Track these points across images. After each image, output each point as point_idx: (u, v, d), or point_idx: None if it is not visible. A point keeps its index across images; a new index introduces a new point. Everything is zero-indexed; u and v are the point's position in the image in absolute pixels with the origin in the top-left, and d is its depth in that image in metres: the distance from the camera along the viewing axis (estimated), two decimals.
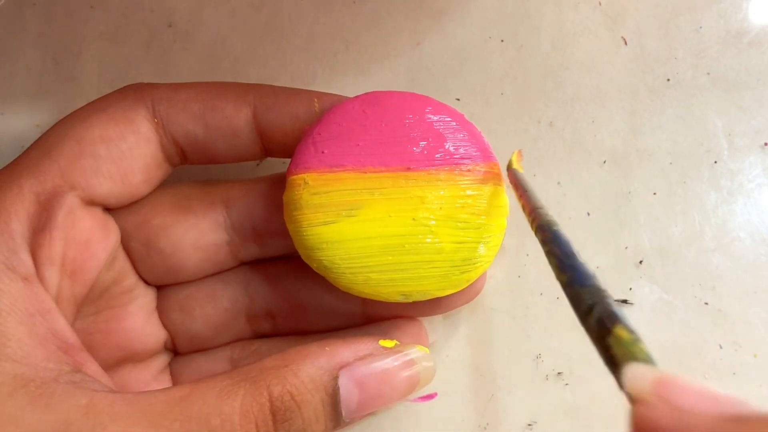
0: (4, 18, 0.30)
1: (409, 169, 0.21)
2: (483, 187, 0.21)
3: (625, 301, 0.25)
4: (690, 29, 0.26)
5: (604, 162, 0.26)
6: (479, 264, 0.21)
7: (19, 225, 0.19)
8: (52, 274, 0.20)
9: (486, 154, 0.22)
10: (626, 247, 0.25)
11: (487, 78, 0.27)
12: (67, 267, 0.20)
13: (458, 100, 0.27)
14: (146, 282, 0.24)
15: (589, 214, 0.25)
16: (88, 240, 0.21)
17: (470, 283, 0.22)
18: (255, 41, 0.28)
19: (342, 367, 0.19)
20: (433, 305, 0.23)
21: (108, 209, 0.22)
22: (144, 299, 0.24)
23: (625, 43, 0.26)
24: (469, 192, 0.21)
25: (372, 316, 0.24)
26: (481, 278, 0.23)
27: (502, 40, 0.27)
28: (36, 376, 0.17)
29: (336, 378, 0.19)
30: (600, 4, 0.27)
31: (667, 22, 0.26)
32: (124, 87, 0.23)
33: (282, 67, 0.28)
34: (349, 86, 0.27)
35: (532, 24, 0.27)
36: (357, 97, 0.22)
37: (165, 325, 0.24)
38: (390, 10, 0.28)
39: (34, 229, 0.20)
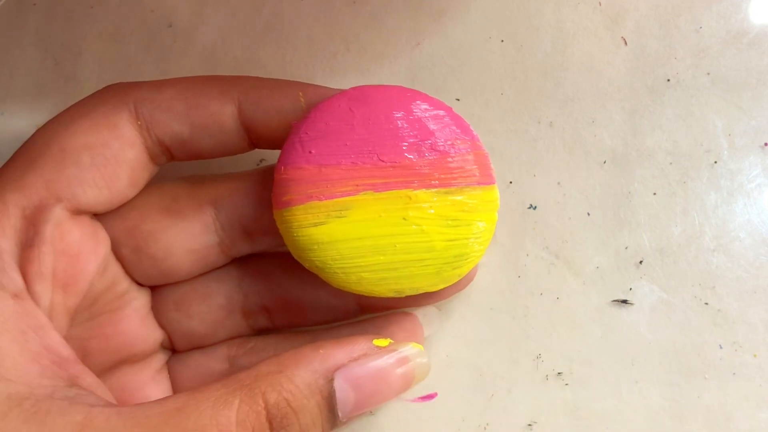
0: (4, 18, 0.30)
1: (397, 167, 0.21)
2: (473, 182, 0.21)
3: (625, 301, 0.25)
4: (690, 29, 0.26)
5: (604, 162, 0.26)
6: (471, 259, 0.21)
7: (6, 242, 0.19)
8: (43, 289, 0.20)
9: (475, 147, 0.21)
10: (626, 247, 0.25)
11: (487, 78, 0.27)
12: (59, 280, 0.20)
13: (458, 100, 0.27)
14: (139, 284, 0.24)
15: (589, 214, 0.25)
16: (78, 251, 0.21)
17: (462, 276, 0.22)
18: (255, 41, 0.28)
19: (337, 369, 0.19)
20: (427, 297, 0.23)
21: (96, 215, 0.22)
22: (138, 302, 0.24)
23: (625, 43, 0.26)
24: (459, 189, 0.21)
25: (366, 308, 0.24)
26: (473, 268, 0.23)
27: (502, 40, 0.27)
28: (30, 394, 0.17)
29: (331, 381, 0.19)
30: (600, 4, 0.27)
31: (667, 22, 0.26)
32: (105, 88, 0.22)
33: (282, 67, 0.28)
34: (348, 86, 0.27)
35: (532, 24, 0.27)
36: (343, 93, 0.22)
37: (161, 324, 0.24)
38: (390, 10, 0.28)
39: (22, 244, 0.20)
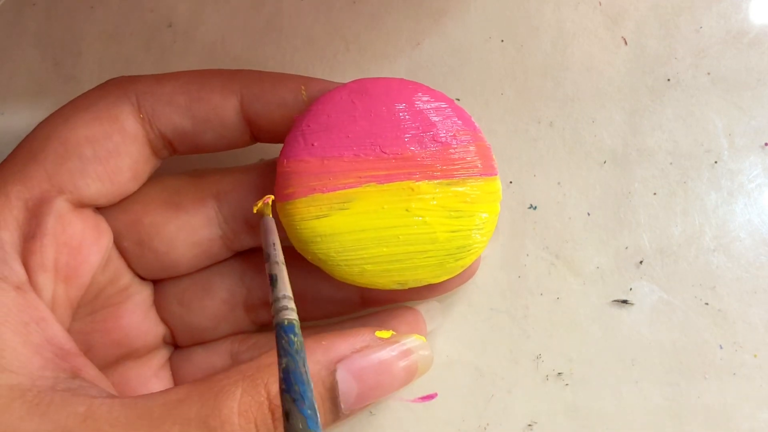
0: (4, 18, 0.30)
1: (400, 159, 0.21)
2: (475, 174, 0.21)
3: (625, 301, 0.25)
4: (690, 29, 0.26)
5: (604, 162, 0.26)
6: (474, 250, 0.21)
7: (8, 234, 0.19)
8: (45, 281, 0.20)
9: (477, 139, 0.21)
10: (626, 247, 0.25)
11: (487, 78, 0.27)
12: (61, 272, 0.20)
13: (458, 100, 0.27)
14: (141, 277, 0.24)
15: (589, 214, 0.25)
16: (80, 244, 0.21)
17: (465, 268, 0.22)
18: (255, 41, 0.28)
19: (339, 360, 0.19)
20: (429, 289, 0.23)
21: (98, 208, 0.22)
22: (140, 296, 0.24)
23: (625, 43, 0.26)
24: (461, 180, 0.21)
25: (369, 301, 0.24)
26: (476, 260, 0.23)
27: (502, 40, 0.27)
28: (33, 386, 0.17)
29: (334, 372, 0.19)
30: (600, 4, 0.27)
31: (667, 22, 0.26)
32: (106, 82, 0.22)
33: (282, 67, 0.28)
34: None
35: (532, 24, 0.27)
36: (344, 85, 0.22)
37: (164, 319, 0.24)
38: (390, 10, 0.28)
39: (25, 236, 0.20)
